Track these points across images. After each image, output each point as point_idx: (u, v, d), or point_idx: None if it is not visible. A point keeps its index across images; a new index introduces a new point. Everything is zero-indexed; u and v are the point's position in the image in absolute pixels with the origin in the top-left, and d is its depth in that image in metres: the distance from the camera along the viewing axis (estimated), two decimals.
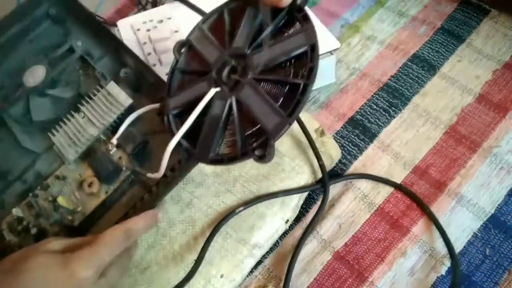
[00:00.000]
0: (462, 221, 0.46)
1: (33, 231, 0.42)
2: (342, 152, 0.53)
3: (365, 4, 0.68)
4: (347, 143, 0.54)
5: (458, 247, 0.45)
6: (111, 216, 0.43)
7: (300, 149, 0.49)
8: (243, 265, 0.45)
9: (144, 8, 0.75)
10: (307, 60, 0.34)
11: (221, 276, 0.44)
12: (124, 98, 0.46)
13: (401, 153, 0.52)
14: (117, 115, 0.46)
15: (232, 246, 0.45)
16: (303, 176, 0.48)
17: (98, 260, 0.31)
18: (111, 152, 0.44)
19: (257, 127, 0.35)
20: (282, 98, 0.35)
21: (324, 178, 0.48)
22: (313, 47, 0.34)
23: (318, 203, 0.50)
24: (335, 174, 0.52)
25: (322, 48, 0.52)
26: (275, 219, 0.46)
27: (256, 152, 0.33)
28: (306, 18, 0.36)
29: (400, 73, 0.59)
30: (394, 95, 0.57)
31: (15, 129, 0.49)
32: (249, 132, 0.35)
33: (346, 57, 0.62)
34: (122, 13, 0.78)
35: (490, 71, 0.57)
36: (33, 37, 0.55)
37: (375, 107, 0.57)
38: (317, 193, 0.51)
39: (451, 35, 0.61)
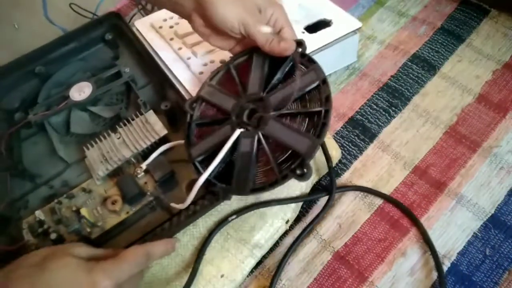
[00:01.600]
0: (462, 221, 0.46)
1: (53, 236, 0.43)
2: (342, 152, 0.53)
3: (365, 4, 0.68)
4: (347, 143, 0.54)
5: (458, 247, 0.45)
6: (127, 236, 0.44)
7: None
8: (244, 265, 0.45)
9: (144, 8, 0.75)
10: (322, 91, 0.40)
11: (222, 276, 0.44)
12: (160, 128, 0.48)
13: (401, 153, 0.52)
14: (151, 143, 0.48)
15: (232, 246, 0.45)
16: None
17: (119, 274, 0.33)
18: (138, 176, 0.46)
19: (288, 153, 0.39)
20: (302, 127, 0.40)
21: (332, 184, 0.48)
22: (324, 80, 0.41)
23: (319, 203, 0.50)
24: (342, 185, 0.51)
25: (345, 29, 0.55)
26: (275, 219, 0.46)
27: (298, 171, 0.37)
28: (310, 60, 0.43)
29: (400, 73, 0.59)
30: (394, 95, 0.57)
31: (53, 137, 0.52)
32: (280, 160, 0.40)
33: None
34: (122, 13, 0.78)
35: (490, 71, 0.57)
36: (84, 56, 0.61)
37: (375, 107, 0.57)
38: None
39: (451, 35, 0.61)
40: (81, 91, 0.53)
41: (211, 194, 0.43)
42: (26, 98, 0.56)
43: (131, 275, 0.35)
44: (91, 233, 0.44)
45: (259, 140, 0.41)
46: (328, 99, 0.40)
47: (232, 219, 0.45)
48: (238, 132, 0.41)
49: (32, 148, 0.52)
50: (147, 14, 0.75)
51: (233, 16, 0.42)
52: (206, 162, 0.42)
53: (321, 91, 0.41)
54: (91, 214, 0.45)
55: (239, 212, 0.45)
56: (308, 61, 0.43)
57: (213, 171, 0.41)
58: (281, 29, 0.45)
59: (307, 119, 0.41)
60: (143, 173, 0.46)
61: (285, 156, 0.40)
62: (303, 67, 0.43)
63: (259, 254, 0.46)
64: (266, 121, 0.41)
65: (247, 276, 0.46)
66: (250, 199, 0.46)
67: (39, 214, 0.45)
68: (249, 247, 0.45)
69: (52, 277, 0.32)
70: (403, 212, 0.47)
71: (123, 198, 0.45)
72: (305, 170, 0.37)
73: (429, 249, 0.44)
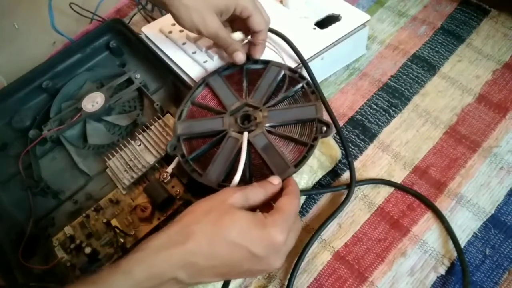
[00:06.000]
0: (462, 221, 0.46)
1: (87, 250, 0.43)
2: (342, 152, 0.53)
3: (365, 4, 0.68)
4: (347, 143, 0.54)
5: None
6: None
7: None
8: None
9: (144, 8, 0.75)
10: (293, 76, 0.48)
11: None
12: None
13: (401, 153, 0.52)
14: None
15: None
16: (303, 175, 0.48)
17: (288, 226, 0.35)
18: (165, 181, 0.46)
19: (299, 127, 0.44)
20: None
21: (352, 179, 0.48)
22: (289, 68, 0.48)
23: (318, 203, 0.50)
24: (365, 179, 0.51)
25: (355, 23, 0.56)
26: None
27: (324, 129, 0.42)
28: (264, 62, 0.50)
29: (400, 73, 0.59)
30: (394, 95, 0.57)
31: (71, 151, 0.52)
32: (296, 135, 0.44)
33: None
34: (122, 13, 0.78)
35: (490, 71, 0.57)
36: (90, 66, 0.60)
37: (375, 107, 0.57)
38: (316, 193, 0.51)
39: (451, 35, 0.61)
40: (93, 102, 0.53)
41: None
42: (37, 115, 0.56)
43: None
44: (125, 243, 0.44)
45: (268, 132, 0.44)
46: (302, 76, 0.47)
47: None
48: (246, 134, 0.43)
49: (51, 165, 0.52)
50: (147, 14, 0.75)
51: (191, 27, 0.47)
52: (228, 178, 0.43)
53: (292, 76, 0.48)
54: (122, 224, 0.45)
55: None
56: (263, 63, 0.50)
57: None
58: (248, 18, 0.46)
59: (297, 98, 0.46)
60: (169, 178, 0.46)
61: (298, 132, 0.44)
62: (260, 68, 0.50)
63: None
64: (266, 116, 0.45)
65: None
66: None
67: (68, 230, 0.45)
68: None
69: (228, 233, 0.33)
70: (427, 206, 0.47)
71: (152, 204, 0.45)
72: (329, 127, 0.42)
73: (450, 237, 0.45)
